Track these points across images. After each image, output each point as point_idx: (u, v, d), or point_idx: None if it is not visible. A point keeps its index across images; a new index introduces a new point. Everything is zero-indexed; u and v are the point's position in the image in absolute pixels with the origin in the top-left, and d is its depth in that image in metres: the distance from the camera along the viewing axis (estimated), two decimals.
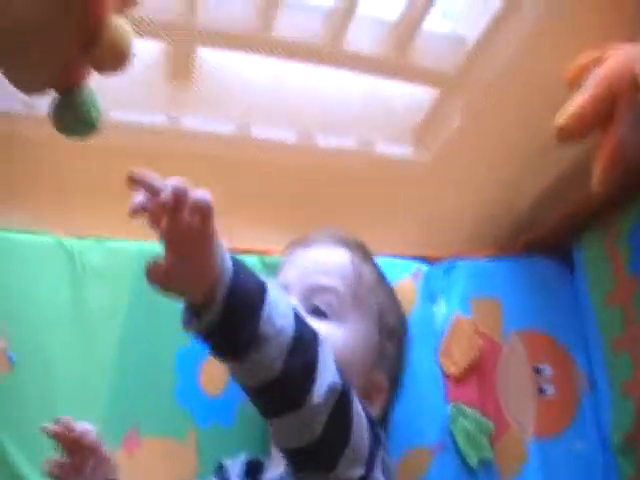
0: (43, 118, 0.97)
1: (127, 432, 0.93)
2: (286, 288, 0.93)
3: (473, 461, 0.99)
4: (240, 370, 0.70)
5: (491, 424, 1.01)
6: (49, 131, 0.98)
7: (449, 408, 1.01)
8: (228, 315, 0.66)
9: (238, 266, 0.68)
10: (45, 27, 0.57)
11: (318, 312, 0.91)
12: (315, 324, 0.83)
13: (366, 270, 0.97)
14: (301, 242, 1.00)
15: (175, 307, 0.97)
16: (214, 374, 0.98)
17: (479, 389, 1.04)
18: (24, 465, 0.88)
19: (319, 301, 0.92)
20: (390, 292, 1.00)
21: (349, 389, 0.76)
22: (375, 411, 0.92)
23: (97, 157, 0.99)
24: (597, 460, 1.04)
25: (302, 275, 0.94)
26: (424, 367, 1.03)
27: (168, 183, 0.64)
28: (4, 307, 0.94)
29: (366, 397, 0.90)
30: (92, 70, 0.65)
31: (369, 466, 0.78)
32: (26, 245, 0.99)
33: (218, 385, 0.99)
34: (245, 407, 0.98)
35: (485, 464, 1.00)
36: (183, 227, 0.64)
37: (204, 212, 0.65)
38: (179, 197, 0.64)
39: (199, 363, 0.98)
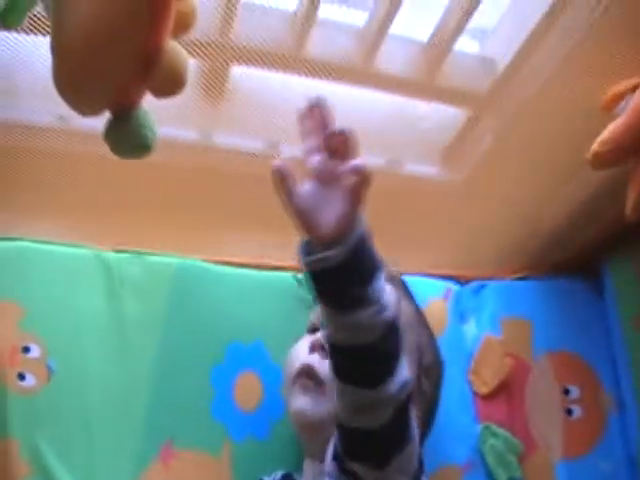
0: (79, 132, 1.00)
1: (163, 443, 0.93)
2: None
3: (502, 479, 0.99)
4: (339, 323, 0.70)
5: (520, 444, 1.02)
6: (88, 145, 1.01)
7: (479, 428, 1.02)
8: (355, 258, 0.67)
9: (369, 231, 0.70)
10: (110, 40, 0.57)
11: None
12: None
13: (406, 307, 0.96)
14: None
15: (210, 324, 1.00)
16: (249, 390, 1.00)
17: (508, 409, 1.04)
18: (62, 473, 0.88)
19: None
20: (429, 331, 0.99)
21: (411, 399, 0.76)
22: None
23: (136, 172, 1.00)
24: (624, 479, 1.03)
25: None
26: (455, 386, 1.04)
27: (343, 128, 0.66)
28: (43, 317, 0.94)
29: None
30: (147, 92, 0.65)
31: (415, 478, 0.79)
32: (66, 257, 1.00)
33: (253, 400, 1.00)
34: (279, 423, 0.99)
35: None
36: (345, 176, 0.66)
37: (364, 179, 0.67)
38: (350, 148, 0.67)
39: (234, 378, 0.99)
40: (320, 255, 0.67)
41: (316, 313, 0.94)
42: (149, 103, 0.99)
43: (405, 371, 0.73)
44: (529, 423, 1.04)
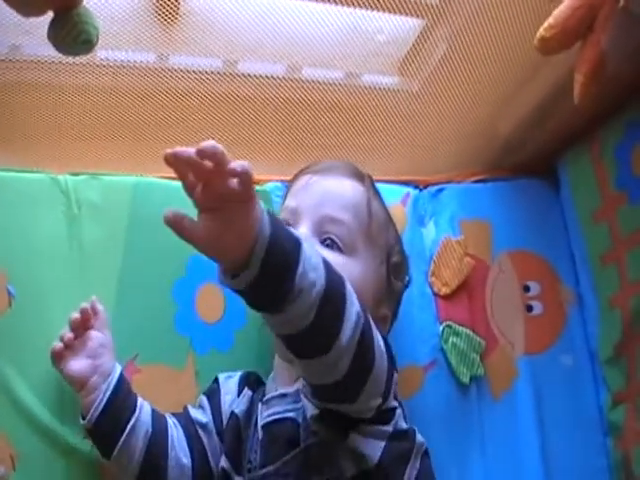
0: (33, 61, 0.96)
1: (127, 360, 0.91)
2: (298, 214, 0.90)
3: (465, 378, 0.98)
4: (275, 320, 0.70)
5: (482, 341, 1.01)
6: (37, 73, 0.97)
7: (440, 327, 1.01)
8: (265, 274, 0.65)
9: (275, 225, 0.66)
10: None
11: (330, 244, 0.88)
12: (327, 255, 0.82)
13: (378, 207, 0.94)
14: (316, 169, 0.95)
15: (170, 239, 0.97)
16: (211, 301, 0.97)
17: (469, 308, 1.03)
18: (26, 394, 0.87)
19: (331, 233, 0.88)
20: (396, 230, 0.98)
21: (369, 323, 0.74)
22: None
23: (88, 96, 0.98)
24: (586, 373, 1.03)
25: (317, 204, 0.89)
26: (415, 289, 1.02)
27: (204, 148, 0.63)
28: (1, 244, 0.91)
29: None
30: None
31: (385, 396, 0.78)
32: (21, 183, 0.96)
33: (215, 312, 0.97)
34: (242, 332, 0.97)
35: (476, 380, 1.00)
36: (221, 192, 0.64)
37: (243, 178, 0.64)
38: (217, 165, 0.63)
39: (196, 291, 0.97)
40: (232, 281, 0.66)
41: (287, 209, 0.92)
42: (104, 25, 0.95)
43: (354, 313, 0.71)
44: (490, 321, 1.03)
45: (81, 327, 0.87)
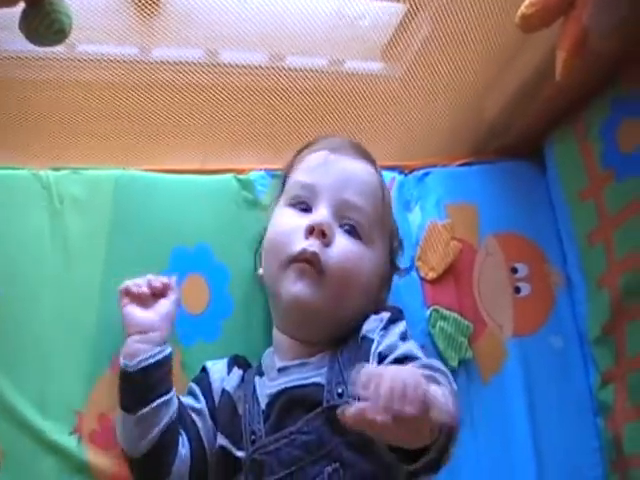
0: (9, 57, 0.94)
1: (114, 354, 0.89)
2: (316, 192, 0.88)
3: (453, 362, 0.97)
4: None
5: (470, 325, 0.99)
6: (16, 69, 0.95)
7: (428, 312, 0.99)
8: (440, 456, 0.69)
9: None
10: None
11: (349, 230, 0.87)
12: (352, 244, 0.85)
13: (388, 194, 0.94)
14: (331, 147, 0.92)
15: (153, 232, 0.95)
16: (196, 292, 0.95)
17: (457, 291, 1.01)
18: (9, 391, 0.85)
19: (351, 219, 0.87)
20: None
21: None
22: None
23: (68, 91, 0.97)
24: (575, 354, 1.02)
25: (338, 186, 0.87)
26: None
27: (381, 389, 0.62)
28: None
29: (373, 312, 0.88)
30: None
31: None
32: (2, 179, 0.95)
33: (201, 303, 0.96)
34: (229, 321, 0.95)
35: (465, 364, 0.98)
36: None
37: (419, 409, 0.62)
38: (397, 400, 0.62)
39: (180, 282, 0.94)
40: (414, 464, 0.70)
41: (302, 184, 0.89)
42: (84, 19, 0.93)
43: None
44: (478, 304, 1.01)
45: (157, 292, 0.87)
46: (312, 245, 0.83)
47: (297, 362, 0.84)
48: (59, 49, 0.94)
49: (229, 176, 1.03)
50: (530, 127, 1.08)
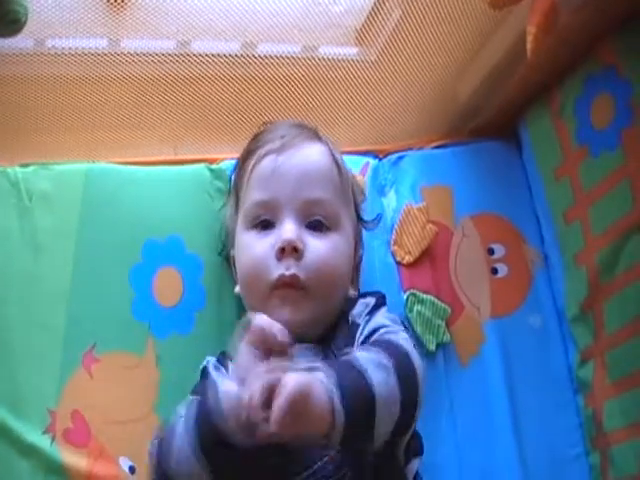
0: None
1: (85, 351, 0.87)
2: (276, 208, 0.84)
3: (431, 345, 0.95)
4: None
5: (447, 308, 0.97)
6: None
7: (404, 296, 0.97)
8: (346, 441, 0.64)
9: (347, 400, 0.63)
10: None
11: (318, 226, 0.84)
12: (323, 243, 0.82)
13: (341, 161, 0.90)
14: (274, 148, 0.87)
15: (124, 225, 0.92)
16: (169, 285, 0.93)
17: (433, 275, 0.99)
18: None
19: (316, 214, 0.84)
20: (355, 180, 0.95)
21: (411, 367, 0.71)
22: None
23: (35, 86, 0.94)
24: (554, 333, 1.00)
25: (293, 190, 0.84)
26: (377, 259, 0.98)
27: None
28: None
29: (352, 283, 0.87)
30: None
31: None
32: None
33: (174, 295, 0.93)
34: (203, 312, 0.93)
35: (443, 347, 0.96)
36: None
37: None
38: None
39: (153, 275, 0.92)
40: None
41: (260, 203, 0.85)
42: (47, 13, 0.90)
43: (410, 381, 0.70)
44: (455, 286, 0.99)
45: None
46: (288, 267, 0.81)
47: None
48: (28, 44, 0.92)
49: (201, 166, 1.00)
50: (504, 107, 1.06)
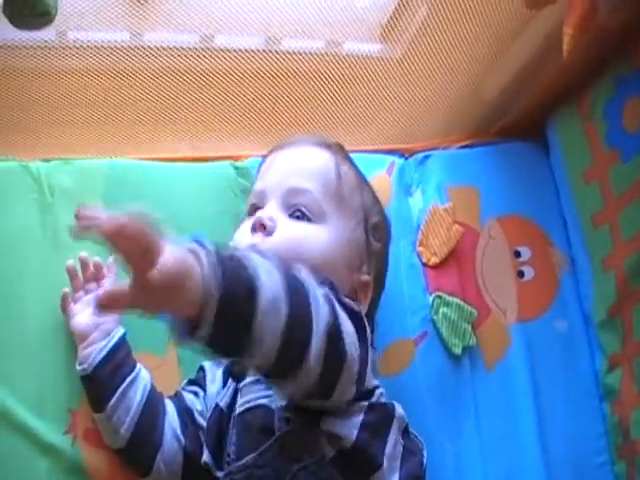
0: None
1: None
2: (265, 195, 0.85)
3: (457, 349, 0.92)
4: (240, 364, 0.68)
5: (473, 311, 0.94)
6: (8, 58, 0.89)
7: (430, 298, 0.94)
8: (219, 333, 0.59)
9: (227, 280, 0.59)
10: None
11: (299, 214, 0.82)
12: (296, 227, 0.80)
13: (347, 170, 0.88)
14: (281, 146, 0.90)
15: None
16: None
17: (459, 277, 0.96)
18: (4, 393, 0.80)
19: (299, 204, 0.83)
20: (372, 191, 0.91)
21: (337, 320, 0.67)
22: (363, 308, 0.83)
23: (57, 79, 0.91)
24: (580, 338, 0.97)
25: (281, 179, 0.85)
26: (403, 260, 0.95)
27: None
28: None
29: (353, 295, 0.82)
30: None
31: (359, 383, 0.72)
32: None
33: None
34: None
35: (469, 351, 0.93)
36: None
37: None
38: None
39: None
40: (187, 339, 0.60)
41: (254, 193, 0.87)
42: (69, 5, 0.87)
43: (321, 322, 0.64)
44: (481, 289, 0.96)
45: (86, 281, 0.85)
46: (253, 239, 0.80)
47: (251, 379, 0.78)
48: (50, 37, 0.90)
49: (226, 163, 0.98)
50: (532, 107, 1.02)
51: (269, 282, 0.61)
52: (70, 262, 0.85)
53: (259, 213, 0.82)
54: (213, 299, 0.57)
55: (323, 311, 0.65)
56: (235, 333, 0.60)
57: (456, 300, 0.93)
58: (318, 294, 0.66)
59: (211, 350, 0.61)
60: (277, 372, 0.66)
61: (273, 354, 0.62)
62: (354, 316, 0.71)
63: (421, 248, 0.96)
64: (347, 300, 0.73)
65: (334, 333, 0.66)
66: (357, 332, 0.70)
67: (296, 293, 0.64)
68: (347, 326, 0.69)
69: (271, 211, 0.82)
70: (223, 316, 0.58)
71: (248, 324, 0.60)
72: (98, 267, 0.86)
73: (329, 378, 0.67)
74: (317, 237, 0.81)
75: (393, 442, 0.74)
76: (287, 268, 0.66)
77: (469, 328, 0.92)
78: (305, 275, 0.67)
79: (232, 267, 0.60)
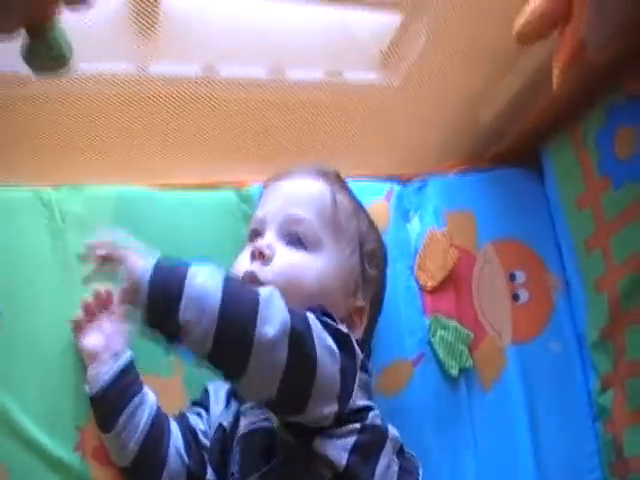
0: (12, 75, 0.90)
1: None
2: (265, 222, 0.87)
3: (454, 371, 0.94)
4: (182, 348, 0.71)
5: (470, 333, 0.96)
6: (16, 86, 0.91)
7: (428, 320, 0.96)
8: (151, 317, 0.68)
9: (157, 269, 0.68)
10: None
11: (296, 242, 0.84)
12: (293, 255, 0.82)
13: (343, 198, 0.90)
14: (279, 176, 0.93)
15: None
16: None
17: (456, 300, 0.98)
18: (16, 409, 0.82)
19: (296, 232, 0.85)
20: (368, 218, 0.93)
21: (306, 328, 0.70)
22: (358, 333, 0.86)
23: (67, 109, 0.93)
24: (574, 359, 0.99)
25: (279, 207, 0.87)
26: (401, 284, 0.97)
27: None
28: None
29: (349, 320, 0.85)
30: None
31: (343, 399, 0.73)
32: (3, 199, 0.91)
33: None
34: None
35: (466, 373, 0.95)
36: None
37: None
38: None
39: None
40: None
41: (255, 219, 0.89)
42: (77, 35, 0.89)
43: (272, 325, 0.67)
44: (477, 312, 0.98)
45: (97, 309, 0.88)
46: (251, 267, 0.82)
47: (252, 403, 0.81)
48: None
49: (229, 191, 1.00)
50: (526, 134, 1.05)
51: (203, 276, 0.67)
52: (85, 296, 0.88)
53: (258, 242, 0.84)
54: (144, 285, 0.66)
55: (277, 320, 0.67)
56: (162, 318, 0.66)
57: (453, 323, 0.95)
58: (278, 304, 0.69)
59: (149, 329, 0.68)
60: (221, 368, 0.68)
61: (205, 344, 0.66)
62: (337, 332, 0.73)
63: (419, 272, 0.98)
64: (329, 320, 0.75)
65: (299, 342, 0.68)
66: (341, 349, 0.72)
67: (237, 295, 0.68)
68: (323, 338, 0.71)
69: (269, 239, 0.84)
70: (152, 299, 0.66)
71: (173, 310, 0.65)
72: (109, 294, 0.88)
73: (295, 389, 0.68)
74: (313, 264, 0.83)
75: (386, 464, 0.75)
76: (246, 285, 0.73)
77: (466, 350, 0.94)
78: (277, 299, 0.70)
79: (173, 264, 0.69)
